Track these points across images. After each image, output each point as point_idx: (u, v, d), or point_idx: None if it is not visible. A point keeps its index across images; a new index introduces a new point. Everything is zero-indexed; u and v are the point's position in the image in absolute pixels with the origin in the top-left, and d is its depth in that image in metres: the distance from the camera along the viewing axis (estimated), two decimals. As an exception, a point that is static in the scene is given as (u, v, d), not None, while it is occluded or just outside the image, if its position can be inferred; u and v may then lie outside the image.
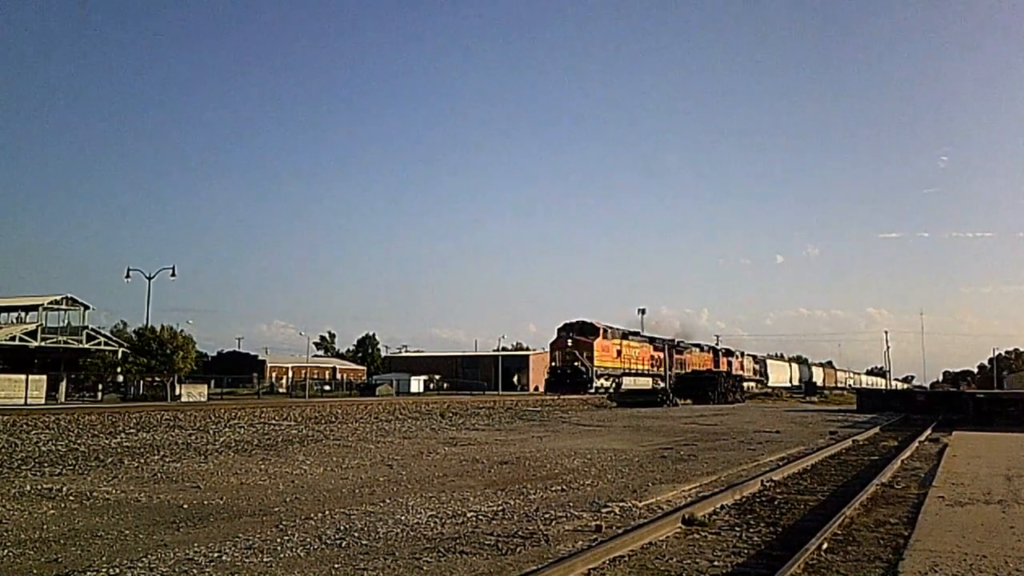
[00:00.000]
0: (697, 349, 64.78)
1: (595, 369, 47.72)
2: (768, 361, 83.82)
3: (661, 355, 58.38)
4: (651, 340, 58.68)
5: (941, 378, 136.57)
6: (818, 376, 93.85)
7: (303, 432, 14.74)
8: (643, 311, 68.84)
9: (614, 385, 48.92)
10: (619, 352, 51.89)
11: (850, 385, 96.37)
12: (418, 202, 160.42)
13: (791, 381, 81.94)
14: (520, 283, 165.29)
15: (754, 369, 75.20)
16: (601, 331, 50.62)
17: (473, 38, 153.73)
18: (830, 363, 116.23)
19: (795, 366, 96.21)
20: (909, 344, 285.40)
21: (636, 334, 57.35)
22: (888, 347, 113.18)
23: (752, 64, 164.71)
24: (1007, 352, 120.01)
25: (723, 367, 64.08)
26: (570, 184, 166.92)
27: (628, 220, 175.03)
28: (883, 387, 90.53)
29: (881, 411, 27.71)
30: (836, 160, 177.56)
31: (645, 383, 54.12)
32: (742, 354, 75.95)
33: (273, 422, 16.64)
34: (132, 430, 13.79)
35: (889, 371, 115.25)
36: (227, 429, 14.80)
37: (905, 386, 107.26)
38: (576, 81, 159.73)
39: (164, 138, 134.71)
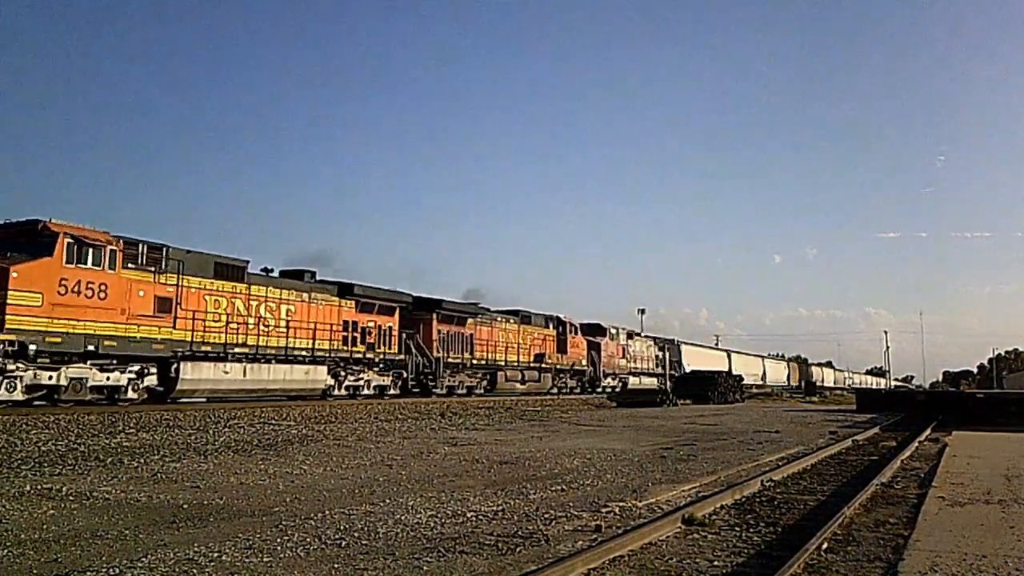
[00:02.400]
0: (510, 320, 35.54)
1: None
2: (686, 347, 57.68)
3: (369, 322, 26.90)
4: (339, 288, 26.37)
5: (941, 378, 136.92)
6: (780, 373, 76.76)
7: (303, 432, 14.74)
8: (643, 311, 68.41)
9: (137, 380, 19.14)
10: (166, 303, 19.79)
11: (849, 385, 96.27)
12: (418, 203, 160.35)
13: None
14: (518, 283, 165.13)
15: (656, 359, 51.41)
16: (60, 243, 17.18)
17: (472, 36, 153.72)
18: (829, 363, 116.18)
19: (750, 359, 71.95)
20: (909, 344, 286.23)
21: (299, 275, 25.53)
22: (888, 347, 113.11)
23: (751, 64, 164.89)
24: (1007, 352, 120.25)
25: (576, 352, 40.63)
26: (568, 184, 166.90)
27: (627, 220, 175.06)
28: (883, 387, 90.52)
29: (881, 411, 27.72)
30: (834, 160, 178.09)
31: (287, 377, 23.18)
32: (630, 335, 48.50)
33: (273, 422, 16.63)
34: (132, 430, 13.77)
35: (889, 371, 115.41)
36: (227, 429, 14.78)
37: (905, 386, 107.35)
38: (575, 81, 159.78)
39: (166, 138, 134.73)
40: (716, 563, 5.38)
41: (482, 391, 33.12)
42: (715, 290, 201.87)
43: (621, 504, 7.44)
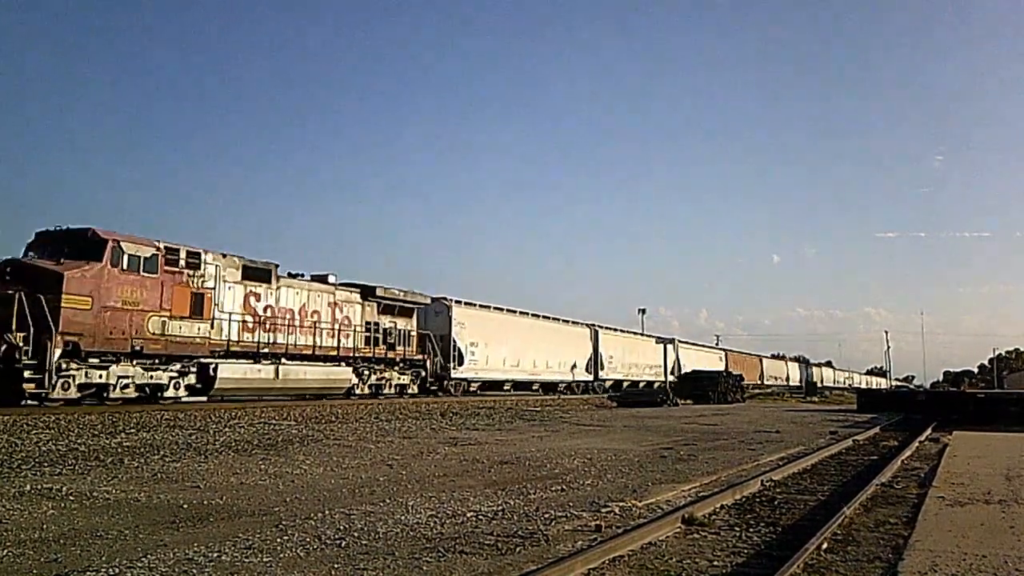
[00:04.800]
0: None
1: None
2: (462, 311, 30.67)
3: None
4: None
5: (941, 378, 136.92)
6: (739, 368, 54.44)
7: (303, 432, 14.74)
8: (643, 311, 68.02)
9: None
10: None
11: (850, 385, 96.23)
12: (419, 203, 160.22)
13: (573, 369, 37.86)
14: (517, 283, 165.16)
15: (370, 328, 24.84)
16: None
17: (471, 35, 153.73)
18: (829, 363, 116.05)
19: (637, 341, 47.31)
20: (909, 344, 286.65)
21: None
22: (888, 347, 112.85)
23: (748, 64, 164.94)
24: (1007, 352, 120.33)
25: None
26: (568, 185, 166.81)
27: (626, 220, 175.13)
28: (883, 387, 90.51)
29: (881, 411, 27.72)
30: (832, 160, 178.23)
31: None
32: (258, 273, 20.62)
33: (273, 422, 16.63)
34: (132, 430, 13.76)
35: (889, 371, 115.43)
36: (227, 429, 14.78)
37: (905, 386, 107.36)
38: (574, 81, 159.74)
39: (169, 139, 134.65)
40: (716, 563, 5.39)
41: None
42: (715, 290, 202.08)
43: (621, 504, 7.44)
